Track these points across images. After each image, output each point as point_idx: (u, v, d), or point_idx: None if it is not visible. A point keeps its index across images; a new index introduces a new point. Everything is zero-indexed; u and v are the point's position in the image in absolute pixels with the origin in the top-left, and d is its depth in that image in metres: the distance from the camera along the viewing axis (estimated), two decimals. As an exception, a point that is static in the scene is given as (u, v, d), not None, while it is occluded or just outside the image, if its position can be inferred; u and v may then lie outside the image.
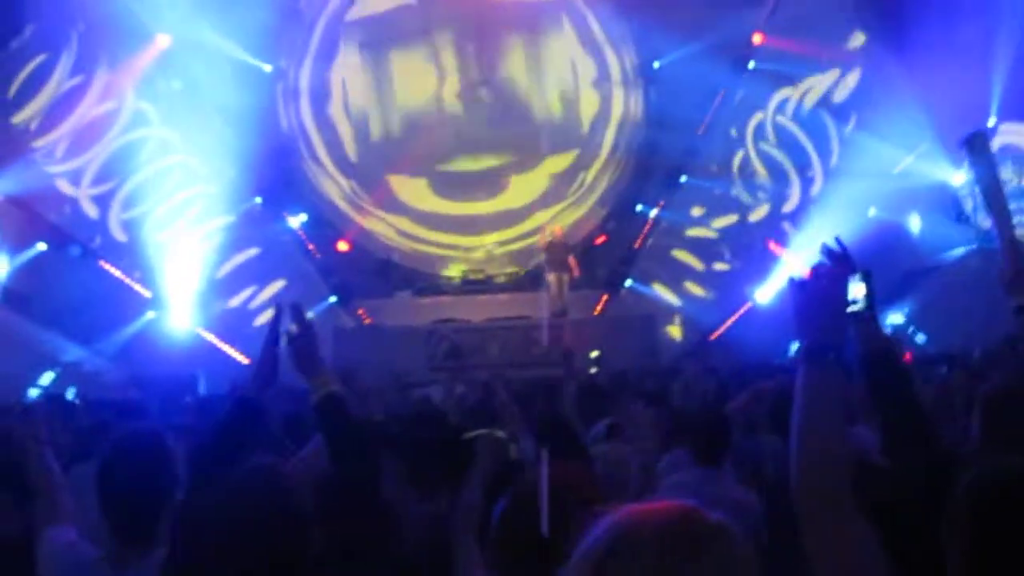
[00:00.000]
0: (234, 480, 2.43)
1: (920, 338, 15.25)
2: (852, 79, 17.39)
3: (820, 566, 1.88)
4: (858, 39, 17.19)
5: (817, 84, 17.78)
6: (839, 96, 17.58)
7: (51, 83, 16.41)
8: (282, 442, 4.81)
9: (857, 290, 2.57)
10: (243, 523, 2.30)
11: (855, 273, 2.56)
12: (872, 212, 16.97)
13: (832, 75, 17.63)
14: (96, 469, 3.06)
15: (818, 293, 2.09)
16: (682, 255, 18.64)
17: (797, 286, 2.12)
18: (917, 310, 15.71)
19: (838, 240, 2.78)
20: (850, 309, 2.26)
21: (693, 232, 18.59)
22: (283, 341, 3.09)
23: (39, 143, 16.36)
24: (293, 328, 3.10)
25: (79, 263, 16.35)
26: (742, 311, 17.65)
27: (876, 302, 2.73)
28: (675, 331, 18.03)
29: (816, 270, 2.13)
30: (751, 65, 18.08)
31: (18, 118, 16.24)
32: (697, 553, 1.38)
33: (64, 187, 16.56)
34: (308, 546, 2.38)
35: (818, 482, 1.93)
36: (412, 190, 18.49)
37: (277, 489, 2.38)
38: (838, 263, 2.62)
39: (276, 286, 17.58)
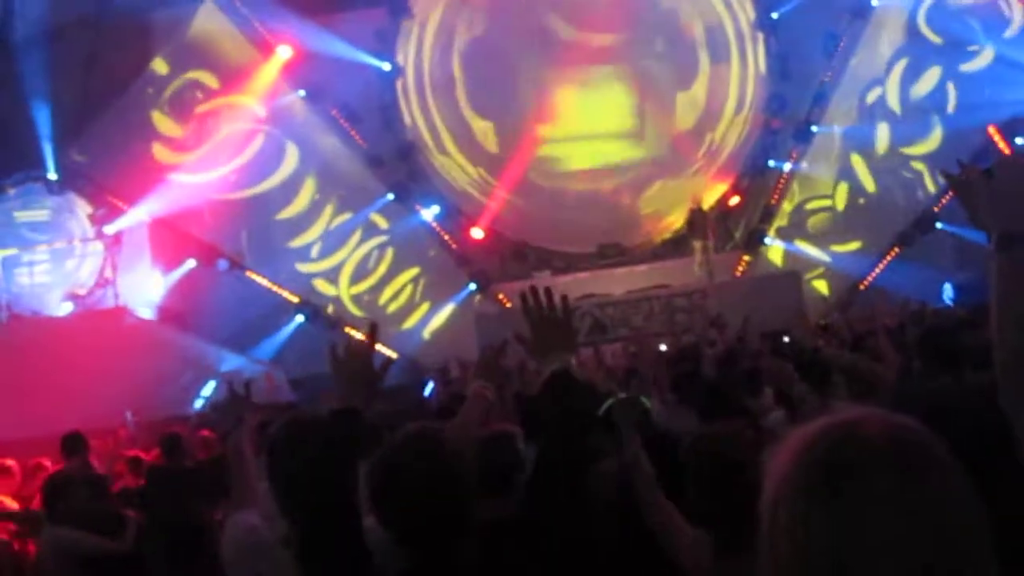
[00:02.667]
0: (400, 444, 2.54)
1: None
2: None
3: None
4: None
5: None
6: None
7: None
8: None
9: None
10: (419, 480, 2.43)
11: None
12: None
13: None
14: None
15: (1007, 179, 2.02)
16: (820, 205, 18.19)
17: (987, 172, 2.06)
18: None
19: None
20: None
21: (830, 183, 18.13)
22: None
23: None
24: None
25: (227, 275, 16.95)
26: (890, 257, 17.14)
27: None
28: (821, 285, 17.60)
29: (1003, 159, 2.05)
30: (875, 2, 17.50)
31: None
32: (930, 468, 1.27)
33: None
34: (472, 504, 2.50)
35: None
36: (540, 170, 18.49)
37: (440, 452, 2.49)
38: None
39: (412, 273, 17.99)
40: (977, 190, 2.06)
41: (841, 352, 6.53)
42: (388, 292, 17.94)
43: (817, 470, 1.28)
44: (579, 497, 2.82)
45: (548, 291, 3.02)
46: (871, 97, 17.86)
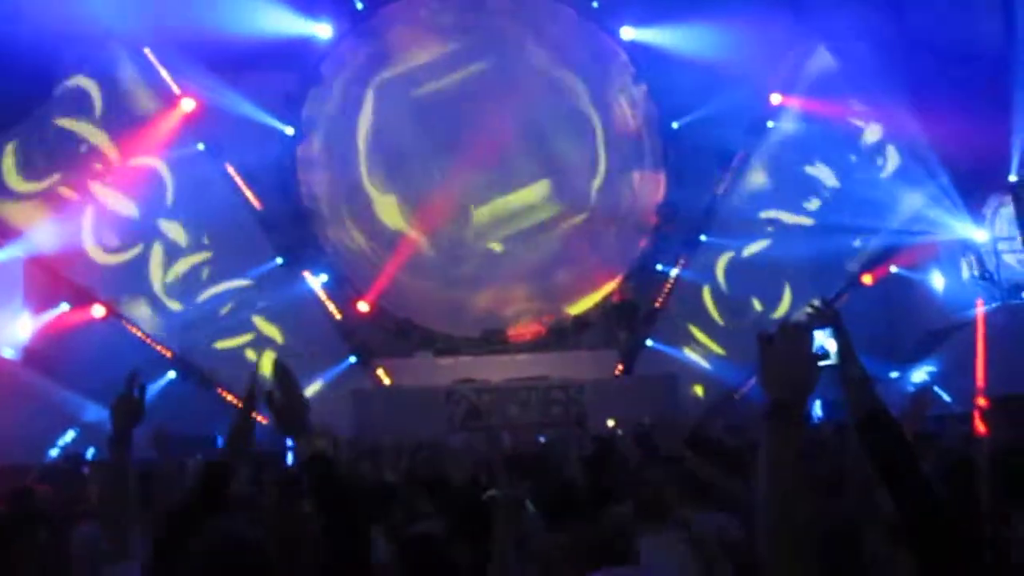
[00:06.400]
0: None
1: (945, 397, 15.03)
2: (872, 135, 17.59)
3: None
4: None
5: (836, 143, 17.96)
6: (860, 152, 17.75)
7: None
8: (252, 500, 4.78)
9: (828, 343, 2.57)
10: None
11: (826, 327, 2.56)
12: (894, 269, 16.92)
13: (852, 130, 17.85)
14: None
15: (783, 349, 2.04)
16: (703, 313, 18.54)
17: (763, 342, 2.08)
18: (942, 369, 15.51)
19: (824, 300, 2.83)
20: (820, 363, 2.20)
21: (714, 290, 18.53)
22: (264, 401, 3.07)
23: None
24: (275, 389, 3.05)
25: (101, 323, 16.44)
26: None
27: (852, 356, 2.72)
28: (698, 390, 17.87)
29: (782, 327, 2.11)
30: (770, 124, 18.17)
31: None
32: None
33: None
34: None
35: (783, 541, 1.87)
36: (432, 249, 18.53)
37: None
38: (815, 319, 2.65)
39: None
40: (760, 355, 2.11)
41: (707, 465, 6.60)
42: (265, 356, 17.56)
43: None
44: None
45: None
46: (762, 212, 18.38)
